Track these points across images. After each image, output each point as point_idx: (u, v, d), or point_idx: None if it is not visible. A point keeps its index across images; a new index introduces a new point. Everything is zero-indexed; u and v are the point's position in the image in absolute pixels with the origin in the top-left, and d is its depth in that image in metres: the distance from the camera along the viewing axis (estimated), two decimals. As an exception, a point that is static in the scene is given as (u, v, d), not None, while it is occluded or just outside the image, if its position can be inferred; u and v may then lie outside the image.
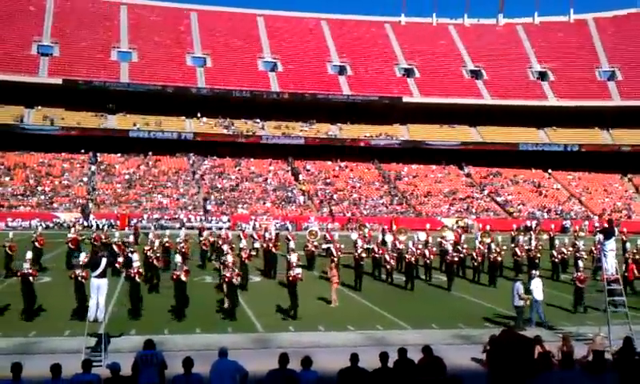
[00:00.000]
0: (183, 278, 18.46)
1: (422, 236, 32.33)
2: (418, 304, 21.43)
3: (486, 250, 28.13)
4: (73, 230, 30.82)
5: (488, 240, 31.25)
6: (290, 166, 64.51)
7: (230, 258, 20.03)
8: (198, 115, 63.74)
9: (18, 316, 17.70)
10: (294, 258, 20.06)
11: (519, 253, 27.26)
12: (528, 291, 18.17)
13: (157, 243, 25.33)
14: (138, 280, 18.21)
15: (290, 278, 18.75)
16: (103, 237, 30.01)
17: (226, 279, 18.56)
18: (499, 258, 26.25)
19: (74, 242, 28.15)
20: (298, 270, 19.32)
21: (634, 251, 26.00)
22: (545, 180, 66.69)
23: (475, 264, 26.60)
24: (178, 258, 20.03)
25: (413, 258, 25.00)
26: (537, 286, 18.23)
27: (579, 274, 20.36)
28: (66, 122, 59.46)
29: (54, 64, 61.81)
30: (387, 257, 26.18)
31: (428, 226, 42.53)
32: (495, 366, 11.24)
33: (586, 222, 52.59)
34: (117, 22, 69.26)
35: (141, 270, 18.62)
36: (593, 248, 27.57)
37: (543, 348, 12.61)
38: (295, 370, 9.27)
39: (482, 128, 67.68)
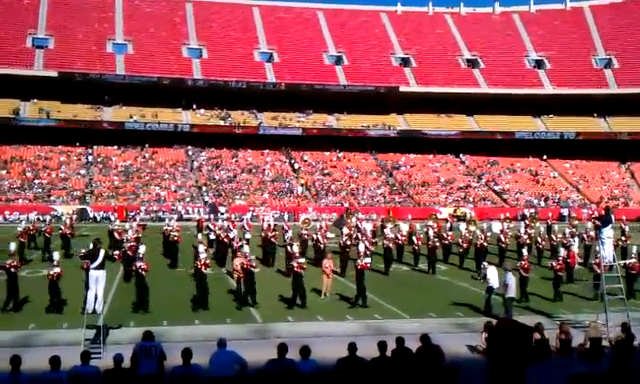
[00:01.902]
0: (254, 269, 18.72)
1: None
2: (416, 293, 21.49)
3: (471, 237, 28.73)
4: (24, 222, 30.90)
5: (473, 228, 31.79)
6: (288, 157, 64.46)
7: (295, 248, 19.99)
8: (195, 107, 63.61)
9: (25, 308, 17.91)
10: (361, 247, 20.40)
11: (503, 239, 27.66)
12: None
13: (130, 233, 25.47)
14: (205, 272, 18.35)
15: (359, 267, 18.92)
16: (63, 228, 29.52)
17: (295, 268, 18.57)
18: (485, 244, 26.64)
19: (23, 235, 28.43)
20: (368, 259, 19.48)
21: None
22: (542, 168, 66.74)
23: (461, 251, 27.23)
24: (247, 248, 19.96)
25: (391, 244, 25.87)
26: (492, 275, 18.31)
27: (522, 262, 19.99)
28: (62, 114, 59.27)
29: (49, 57, 61.55)
30: (367, 243, 26.53)
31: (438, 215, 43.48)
32: (494, 355, 11.28)
33: (585, 210, 52.74)
34: (112, 13, 68.93)
35: (208, 262, 18.61)
36: (584, 235, 28.10)
37: (543, 335, 12.67)
38: (294, 359, 9.31)
39: (478, 117, 67.65)
